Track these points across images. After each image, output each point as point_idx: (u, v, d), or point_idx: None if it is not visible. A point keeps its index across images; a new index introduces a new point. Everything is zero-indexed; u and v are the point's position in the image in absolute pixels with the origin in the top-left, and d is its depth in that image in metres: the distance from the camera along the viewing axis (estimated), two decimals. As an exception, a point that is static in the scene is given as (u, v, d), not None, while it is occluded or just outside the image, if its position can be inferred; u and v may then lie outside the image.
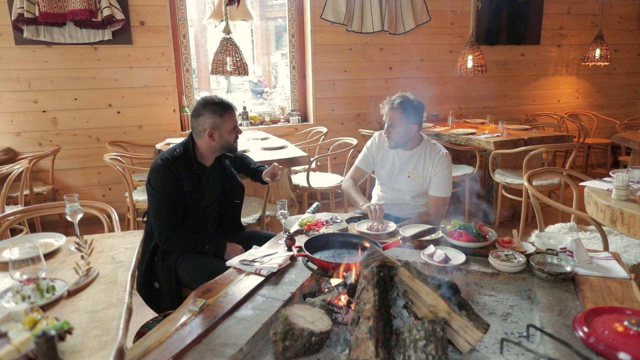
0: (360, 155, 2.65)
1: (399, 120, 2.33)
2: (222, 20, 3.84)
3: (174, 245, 2.08)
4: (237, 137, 2.22)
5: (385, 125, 2.39)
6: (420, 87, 5.27)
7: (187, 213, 2.12)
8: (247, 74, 3.61)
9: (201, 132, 2.12)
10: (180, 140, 4.04)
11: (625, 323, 1.18)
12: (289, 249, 1.81)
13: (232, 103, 2.20)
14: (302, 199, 4.16)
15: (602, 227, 2.26)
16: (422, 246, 1.80)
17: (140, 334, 1.73)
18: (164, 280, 2.13)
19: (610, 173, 2.36)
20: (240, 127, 2.25)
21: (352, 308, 1.33)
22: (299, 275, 1.64)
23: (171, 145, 2.26)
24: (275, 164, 2.41)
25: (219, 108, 2.11)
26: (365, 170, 2.63)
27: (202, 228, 2.20)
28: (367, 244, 1.63)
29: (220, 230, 2.33)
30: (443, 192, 2.37)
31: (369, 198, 2.80)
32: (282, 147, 3.68)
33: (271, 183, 2.49)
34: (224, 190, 2.30)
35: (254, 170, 2.51)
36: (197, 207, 2.14)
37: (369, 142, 2.61)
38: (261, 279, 1.59)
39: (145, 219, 2.28)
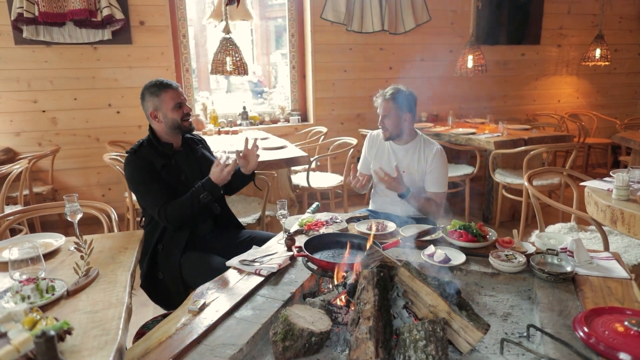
0: (360, 161, 2.70)
1: (392, 109, 2.39)
2: (221, 20, 3.84)
3: (175, 216, 2.03)
4: (186, 115, 2.17)
5: (380, 117, 2.44)
6: (420, 87, 5.23)
7: (176, 194, 2.07)
8: (247, 74, 3.61)
9: (149, 116, 2.15)
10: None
11: (626, 323, 1.18)
12: (289, 249, 1.81)
13: (172, 82, 2.18)
14: (302, 199, 4.16)
15: (603, 227, 2.26)
16: (422, 246, 1.80)
17: (140, 334, 1.74)
18: (167, 276, 2.12)
19: (611, 173, 2.36)
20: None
21: (352, 308, 1.33)
22: (299, 276, 1.64)
23: None
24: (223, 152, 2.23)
25: (156, 88, 2.14)
26: (365, 174, 2.64)
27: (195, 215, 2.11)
28: (367, 244, 1.62)
29: (215, 228, 2.27)
30: (440, 188, 2.40)
31: (368, 202, 2.81)
32: (282, 147, 3.68)
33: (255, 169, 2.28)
34: (203, 170, 2.22)
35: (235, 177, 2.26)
36: (182, 185, 2.10)
37: (365, 143, 2.67)
38: (261, 279, 1.59)
39: (141, 218, 2.26)
